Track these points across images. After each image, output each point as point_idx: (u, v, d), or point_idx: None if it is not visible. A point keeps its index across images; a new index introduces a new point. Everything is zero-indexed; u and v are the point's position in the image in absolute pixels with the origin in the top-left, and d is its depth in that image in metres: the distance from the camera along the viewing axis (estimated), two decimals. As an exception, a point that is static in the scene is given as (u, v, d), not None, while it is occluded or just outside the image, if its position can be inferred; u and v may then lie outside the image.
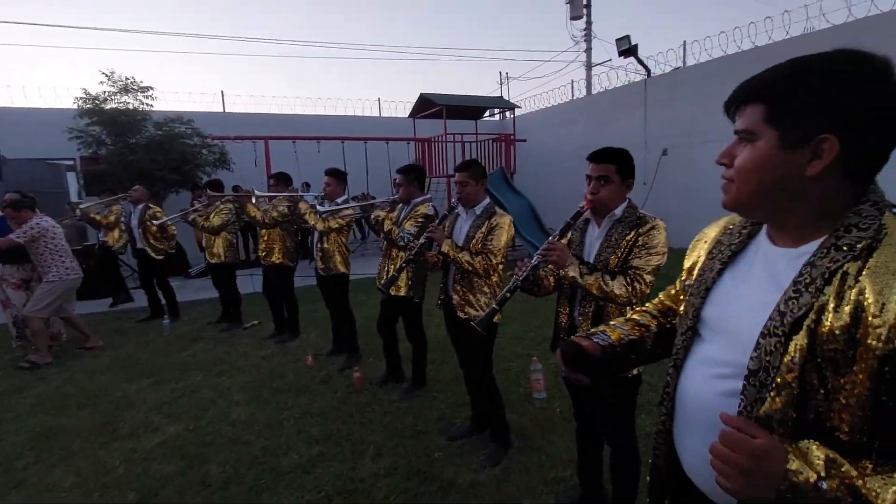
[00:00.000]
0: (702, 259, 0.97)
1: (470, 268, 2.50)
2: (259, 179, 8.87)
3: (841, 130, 0.68)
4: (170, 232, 5.68)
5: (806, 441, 0.68)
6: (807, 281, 0.72)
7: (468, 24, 56.16)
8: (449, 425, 3.00)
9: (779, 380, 0.72)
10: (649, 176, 9.53)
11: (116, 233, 6.05)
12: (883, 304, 0.65)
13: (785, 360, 0.72)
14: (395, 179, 10.28)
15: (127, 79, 8.66)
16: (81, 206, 6.15)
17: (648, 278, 1.73)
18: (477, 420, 2.87)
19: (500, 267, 2.55)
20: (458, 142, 10.33)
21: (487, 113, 12.51)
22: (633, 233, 1.79)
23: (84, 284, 7.03)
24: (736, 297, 0.85)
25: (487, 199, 2.66)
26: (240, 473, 2.59)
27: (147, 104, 8.85)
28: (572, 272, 1.74)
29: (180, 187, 8.90)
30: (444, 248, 2.54)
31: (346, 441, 2.85)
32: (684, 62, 9.47)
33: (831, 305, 0.69)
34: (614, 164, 1.82)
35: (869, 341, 0.65)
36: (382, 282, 3.00)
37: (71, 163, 9.69)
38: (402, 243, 3.11)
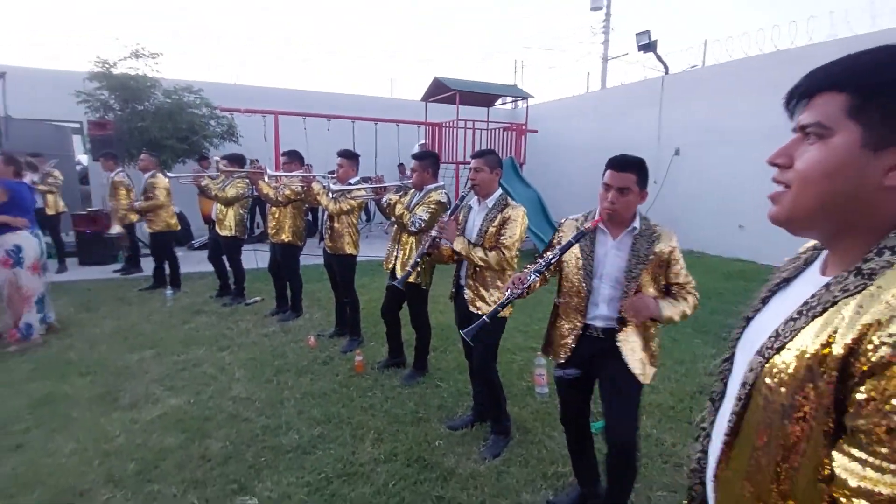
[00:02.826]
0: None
1: (484, 264, 2.47)
2: (267, 154, 8.78)
3: None
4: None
5: None
6: (813, 304, 0.63)
7: (486, 5, 55.04)
8: (450, 413, 3.00)
9: (752, 400, 0.67)
10: (660, 175, 9.44)
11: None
12: (873, 343, 0.52)
13: (763, 380, 0.64)
14: (400, 165, 10.15)
15: (137, 44, 8.54)
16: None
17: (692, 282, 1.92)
18: (479, 410, 2.87)
19: (515, 261, 2.52)
20: (469, 128, 10.21)
21: (500, 101, 12.34)
22: (662, 245, 1.86)
23: (90, 250, 7.12)
24: (766, 329, 0.75)
25: (500, 191, 2.62)
26: (240, 450, 2.59)
27: (156, 70, 8.73)
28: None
29: (187, 157, 8.83)
30: (458, 247, 2.51)
31: (347, 424, 2.85)
32: (704, 61, 9.32)
33: (826, 332, 0.58)
34: (635, 175, 1.78)
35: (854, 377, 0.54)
36: (398, 279, 2.98)
37: (77, 126, 9.60)
38: (413, 228, 3.08)
